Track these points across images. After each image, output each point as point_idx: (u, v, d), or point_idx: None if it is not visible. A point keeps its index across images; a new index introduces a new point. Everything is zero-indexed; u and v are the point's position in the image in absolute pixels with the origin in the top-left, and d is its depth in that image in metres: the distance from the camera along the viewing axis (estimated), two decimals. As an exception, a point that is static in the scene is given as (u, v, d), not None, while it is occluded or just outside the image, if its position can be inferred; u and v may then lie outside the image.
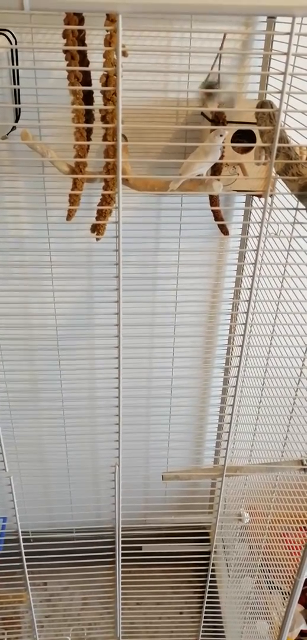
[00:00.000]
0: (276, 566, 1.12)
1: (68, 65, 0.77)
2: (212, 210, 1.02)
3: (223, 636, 1.45)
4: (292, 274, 0.90)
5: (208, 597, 1.27)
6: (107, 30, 0.71)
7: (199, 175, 0.87)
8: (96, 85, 0.75)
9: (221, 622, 1.47)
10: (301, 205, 0.79)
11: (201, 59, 1.02)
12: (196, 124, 1.09)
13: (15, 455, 1.30)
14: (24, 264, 1.23)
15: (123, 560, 1.13)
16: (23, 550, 1.12)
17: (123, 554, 1.12)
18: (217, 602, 1.49)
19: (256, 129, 0.92)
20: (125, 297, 0.81)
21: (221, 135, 0.84)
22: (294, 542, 1.07)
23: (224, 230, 1.06)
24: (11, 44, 0.90)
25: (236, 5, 0.53)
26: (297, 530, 1.06)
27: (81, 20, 0.78)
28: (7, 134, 0.99)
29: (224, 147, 0.95)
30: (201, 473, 1.09)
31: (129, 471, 1.05)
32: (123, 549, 1.11)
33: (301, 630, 1.40)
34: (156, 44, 1.02)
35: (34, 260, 1.22)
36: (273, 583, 1.18)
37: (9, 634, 1.42)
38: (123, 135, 0.98)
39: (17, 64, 0.94)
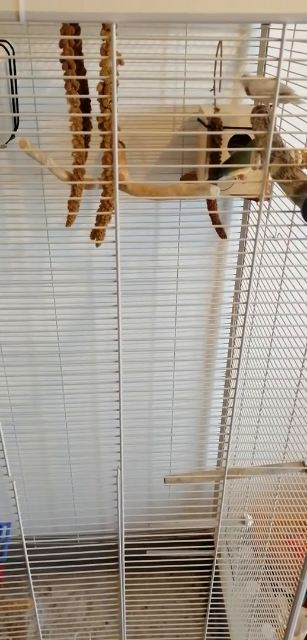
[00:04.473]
0: (281, 568, 1.12)
1: (65, 74, 0.78)
2: (210, 214, 1.03)
3: (228, 640, 1.44)
4: (290, 275, 0.91)
5: (213, 601, 1.27)
6: (103, 39, 0.72)
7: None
8: (93, 94, 0.76)
9: (226, 626, 1.47)
10: (297, 208, 0.79)
11: (196, 65, 1.03)
12: (192, 130, 1.10)
13: (18, 461, 1.30)
14: (24, 269, 1.24)
15: (127, 565, 1.13)
16: (27, 556, 1.13)
17: (127, 558, 1.12)
18: (222, 606, 1.48)
19: (252, 134, 0.94)
20: (125, 301, 0.82)
21: None
22: (298, 544, 1.07)
23: (221, 233, 1.07)
24: (9, 54, 0.92)
25: (226, 13, 0.54)
26: (300, 531, 1.06)
27: (77, 30, 0.79)
28: (6, 143, 1.00)
29: (221, 153, 0.97)
30: (202, 475, 1.09)
31: (132, 475, 1.06)
32: (127, 552, 1.11)
33: (307, 635, 1.39)
34: (152, 52, 1.04)
35: (34, 267, 1.23)
36: (278, 586, 1.17)
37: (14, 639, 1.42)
38: (121, 142, 0.99)
39: (15, 74, 0.95)
